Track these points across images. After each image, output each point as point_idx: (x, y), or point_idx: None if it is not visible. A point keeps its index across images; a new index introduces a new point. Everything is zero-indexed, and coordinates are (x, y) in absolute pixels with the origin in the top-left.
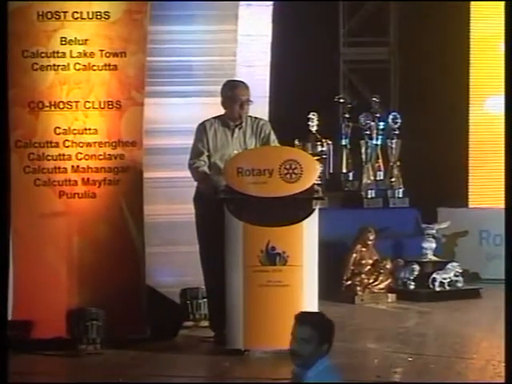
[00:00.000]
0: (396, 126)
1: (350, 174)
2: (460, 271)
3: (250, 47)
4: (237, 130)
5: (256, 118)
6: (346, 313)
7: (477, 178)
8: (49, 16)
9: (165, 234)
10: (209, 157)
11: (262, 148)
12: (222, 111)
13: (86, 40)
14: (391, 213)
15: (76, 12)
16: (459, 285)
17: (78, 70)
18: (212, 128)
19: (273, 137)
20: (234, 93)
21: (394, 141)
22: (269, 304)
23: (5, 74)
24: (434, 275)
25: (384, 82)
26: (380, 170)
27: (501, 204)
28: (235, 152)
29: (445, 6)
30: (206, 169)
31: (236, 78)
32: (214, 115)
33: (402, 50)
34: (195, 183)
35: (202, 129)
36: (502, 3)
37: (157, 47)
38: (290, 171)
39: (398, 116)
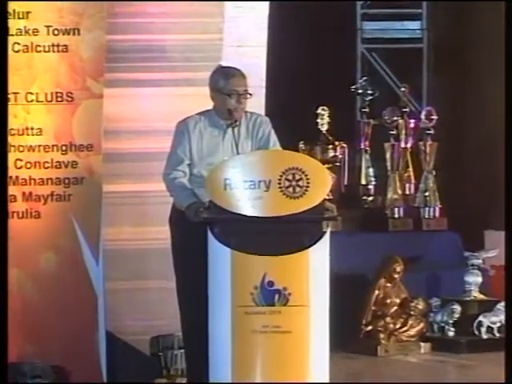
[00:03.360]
0: (431, 124)
1: (371, 187)
2: None
3: (242, 22)
4: (229, 130)
5: (252, 113)
6: (366, 368)
7: None
8: None
9: (130, 264)
10: (191, 166)
11: (256, 153)
12: (205, 105)
13: (28, 13)
14: (424, 237)
15: None
16: None
17: (18, 51)
18: (197, 128)
19: (273, 138)
20: (227, 83)
21: (428, 143)
22: (265, 356)
23: (5, 73)
24: (481, 318)
25: (415, 66)
26: (410, 182)
27: None
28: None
29: None
30: (184, 181)
31: (228, 64)
32: (196, 111)
33: (439, 25)
34: (170, 199)
35: (183, 129)
36: None
37: (120, 22)
38: (293, 183)
39: (434, 111)
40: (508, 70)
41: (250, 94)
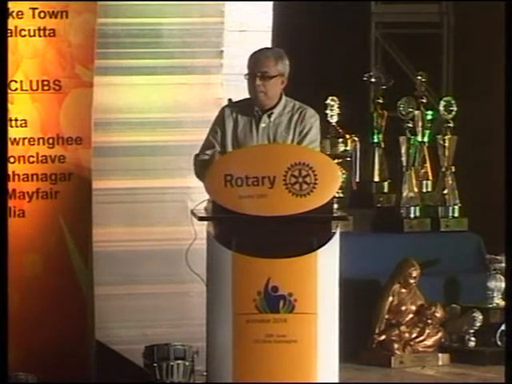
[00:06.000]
0: (450, 116)
1: (385, 184)
2: None
3: (244, 5)
4: (265, 117)
5: (301, 105)
6: (379, 381)
7: None
8: None
9: (122, 268)
10: (223, 154)
11: (259, 147)
12: (203, 95)
13: None
14: (443, 239)
15: None
16: None
17: None
18: (233, 114)
19: (311, 135)
20: (248, 62)
21: (446, 137)
22: (268, 367)
23: (5, 74)
24: (504, 327)
25: (433, 53)
26: (427, 179)
27: None
28: None
29: None
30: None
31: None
32: (193, 101)
33: (460, 10)
34: (165, 197)
35: (219, 116)
36: None
37: (111, 5)
38: (300, 180)
39: (453, 102)
40: (508, 70)
41: (270, 77)
